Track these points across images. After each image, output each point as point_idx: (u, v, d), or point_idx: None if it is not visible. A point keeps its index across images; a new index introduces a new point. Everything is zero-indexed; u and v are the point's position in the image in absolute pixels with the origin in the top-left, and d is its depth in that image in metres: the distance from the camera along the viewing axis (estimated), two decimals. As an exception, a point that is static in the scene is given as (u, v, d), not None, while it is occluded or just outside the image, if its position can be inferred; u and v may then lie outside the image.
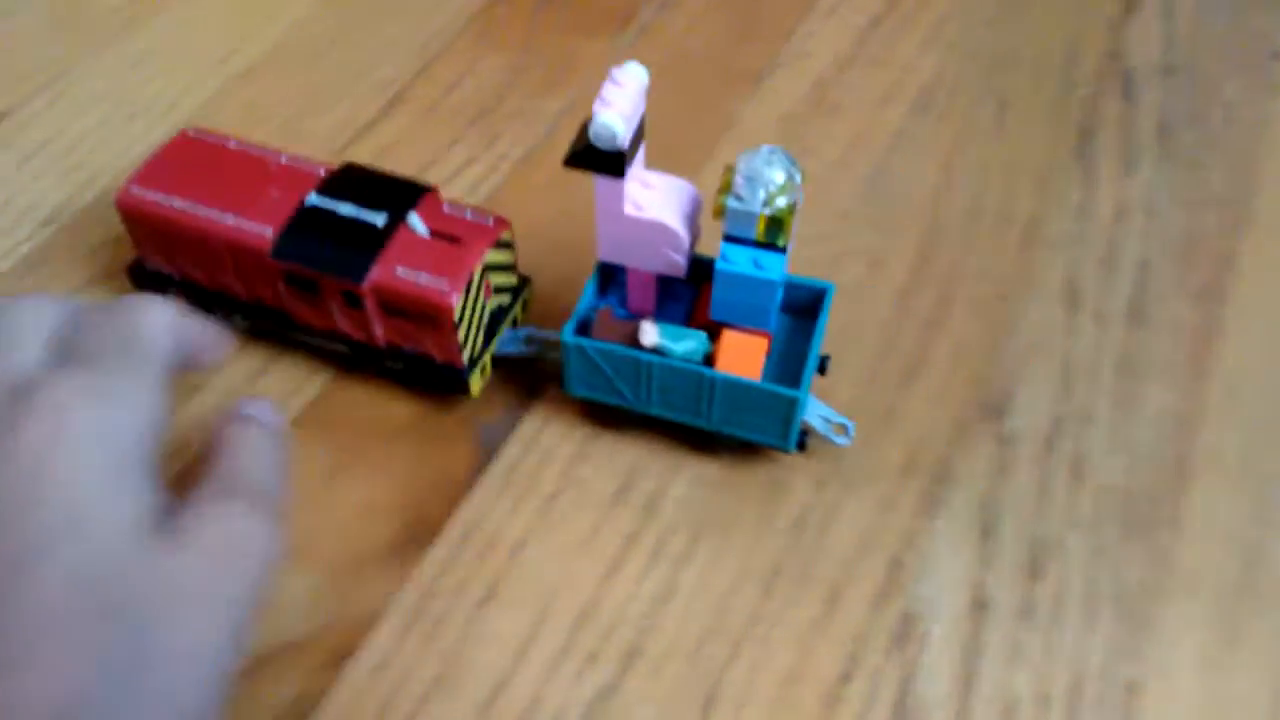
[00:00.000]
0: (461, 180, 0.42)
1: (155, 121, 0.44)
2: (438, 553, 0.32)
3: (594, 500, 0.33)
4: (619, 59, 0.46)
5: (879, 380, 0.36)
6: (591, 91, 0.45)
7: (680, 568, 0.32)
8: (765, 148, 0.29)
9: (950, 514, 0.33)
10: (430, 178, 0.42)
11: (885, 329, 0.37)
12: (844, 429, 0.33)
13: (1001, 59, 0.47)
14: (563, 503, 0.33)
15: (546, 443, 0.34)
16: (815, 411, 0.33)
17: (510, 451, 0.34)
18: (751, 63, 0.47)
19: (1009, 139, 0.44)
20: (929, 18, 0.49)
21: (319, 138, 0.43)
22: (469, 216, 0.34)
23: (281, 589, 0.31)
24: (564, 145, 0.42)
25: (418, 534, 0.32)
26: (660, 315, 0.34)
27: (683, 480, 0.33)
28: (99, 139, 0.43)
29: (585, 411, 0.35)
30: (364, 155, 0.43)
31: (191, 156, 0.36)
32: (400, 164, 0.42)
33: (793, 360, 0.33)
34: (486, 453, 0.34)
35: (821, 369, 0.34)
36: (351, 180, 0.34)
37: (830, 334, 0.36)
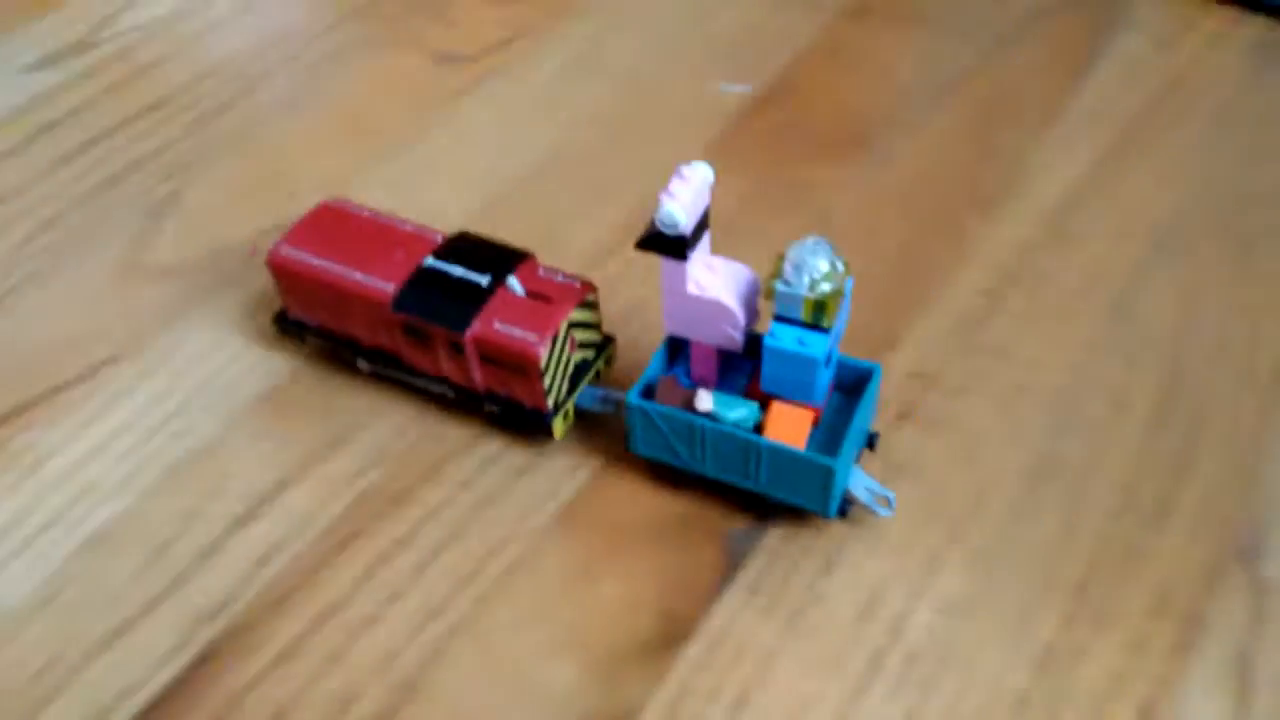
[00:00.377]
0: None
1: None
2: (691, 653, 0.33)
3: (839, 617, 0.34)
4: (853, 185, 0.49)
5: (1124, 516, 0.36)
6: (823, 213, 0.47)
7: (927, 694, 0.32)
8: (811, 239, 0.33)
9: (1204, 662, 0.32)
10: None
11: (1131, 463, 0.37)
12: (886, 501, 0.36)
13: (1245, 197, 0.47)
14: (810, 616, 0.34)
15: (793, 553, 0.36)
16: (860, 483, 0.36)
17: (757, 561, 0.36)
18: (986, 189, 0.48)
19: (1254, 279, 0.43)
20: (1168, 151, 0.49)
21: (575, 249, 0.47)
22: (559, 280, 0.39)
23: (545, 679, 0.33)
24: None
25: (671, 633, 0.34)
26: (720, 386, 0.38)
27: (928, 604, 0.34)
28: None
29: (828, 528, 0.36)
30: (616, 268, 0.46)
31: (331, 223, 0.42)
32: (647, 278, 0.45)
33: (843, 434, 0.36)
34: (734, 559, 0.36)
35: (870, 444, 0.38)
36: (463, 247, 0.40)
37: (1071, 465, 0.37)
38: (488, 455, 0.39)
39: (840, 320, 0.34)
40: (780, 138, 0.52)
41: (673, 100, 0.54)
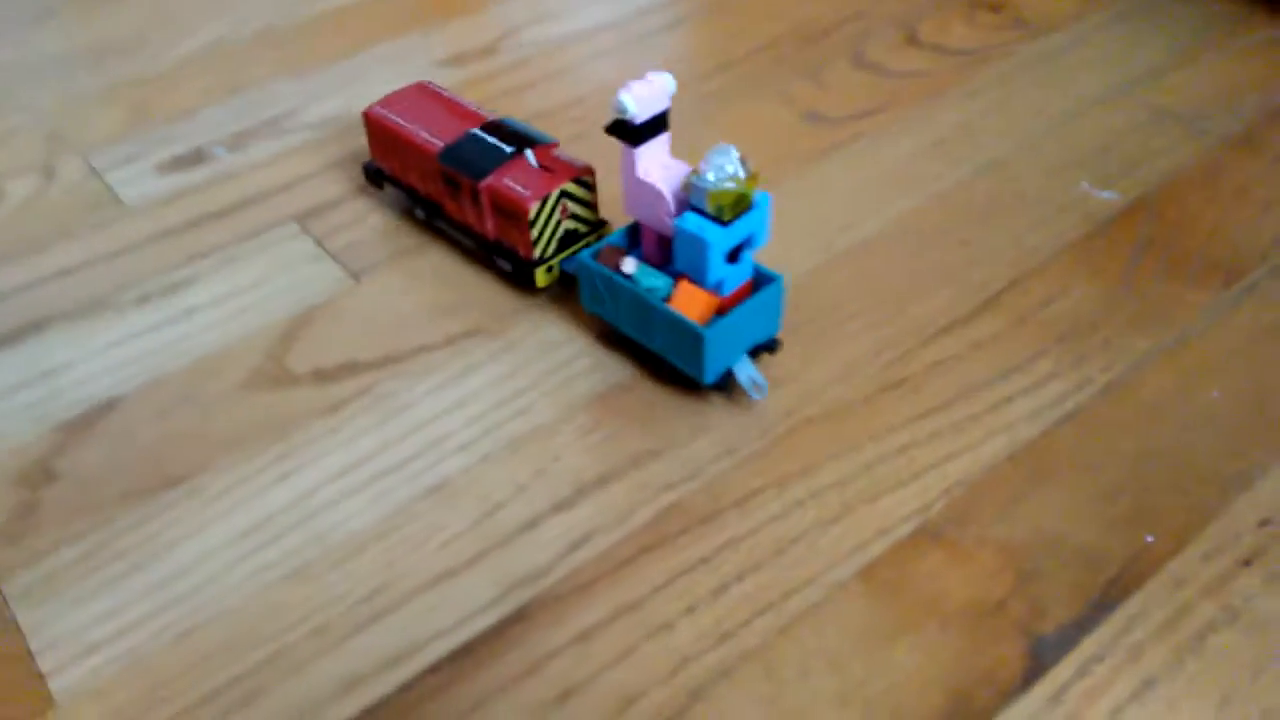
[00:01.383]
0: (1041, 393, 0.43)
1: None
2: (977, 746, 0.33)
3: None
4: (1215, 311, 0.46)
5: None
6: (1182, 334, 0.45)
7: None
8: (723, 145, 0.40)
9: None
10: (1010, 383, 0.44)
11: None
12: (760, 387, 0.43)
13: None
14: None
15: (1102, 673, 0.34)
16: (744, 370, 0.43)
17: (1062, 673, 0.35)
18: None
19: None
20: None
21: (912, 321, 0.47)
22: (566, 160, 0.48)
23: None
24: (1151, 383, 0.42)
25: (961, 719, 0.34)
26: (661, 267, 0.44)
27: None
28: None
29: (1133, 662, 0.35)
30: (954, 347, 0.46)
31: (417, 96, 0.53)
32: (985, 362, 0.45)
33: (731, 319, 0.42)
34: (1039, 665, 0.35)
35: (770, 348, 0.44)
36: (504, 127, 0.50)
37: None
38: (799, 496, 0.40)
39: (754, 230, 0.41)
40: (1143, 251, 0.50)
41: (1032, 194, 0.54)
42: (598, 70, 0.64)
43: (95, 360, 0.47)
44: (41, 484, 0.42)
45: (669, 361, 0.43)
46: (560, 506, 0.40)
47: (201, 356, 0.47)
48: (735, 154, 0.40)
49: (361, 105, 0.62)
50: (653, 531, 0.39)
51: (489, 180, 0.47)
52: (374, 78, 0.64)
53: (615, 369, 0.46)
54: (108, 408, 0.45)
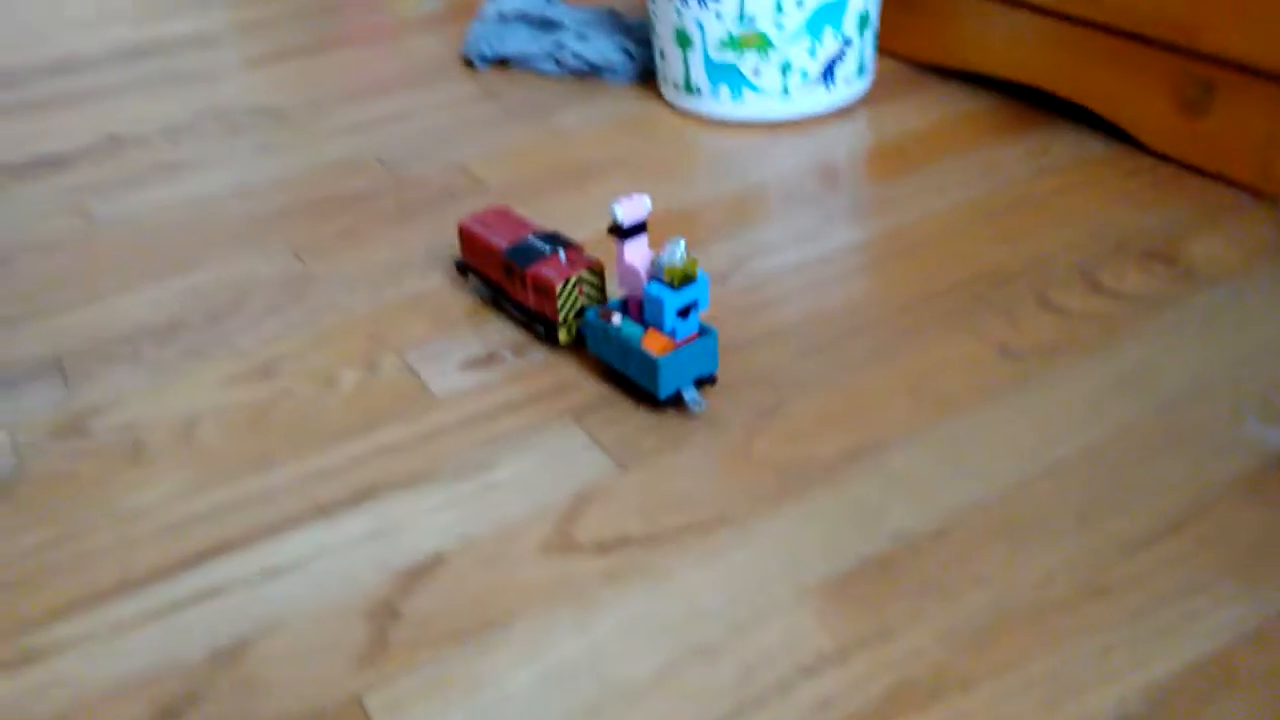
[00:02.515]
0: (1223, 612, 0.50)
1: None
2: None
3: None
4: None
5: None
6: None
7: None
8: (675, 238, 0.66)
9: None
10: (1194, 600, 0.51)
11: None
12: (699, 403, 0.64)
13: None
14: None
15: None
16: (689, 393, 0.64)
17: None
18: None
19: None
20: None
21: (1103, 537, 0.55)
22: (586, 257, 0.70)
23: None
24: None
25: None
26: (639, 322, 0.66)
27: None
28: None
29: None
30: (1144, 564, 0.53)
31: (493, 215, 0.76)
32: (1171, 580, 0.52)
33: (678, 355, 0.64)
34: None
35: (711, 381, 0.66)
36: (549, 235, 0.73)
37: None
38: None
39: (698, 296, 0.63)
40: (1311, 489, 0.57)
41: (1207, 429, 0.61)
42: (806, 301, 0.76)
43: (422, 521, 0.59)
44: (388, 620, 0.53)
45: (639, 385, 0.67)
46: (807, 673, 0.49)
47: (504, 524, 0.58)
48: (682, 246, 0.63)
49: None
50: (889, 705, 0.47)
51: (532, 269, 0.70)
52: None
53: (844, 558, 0.55)
54: (435, 561, 0.56)
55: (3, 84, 1.26)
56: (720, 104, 1.00)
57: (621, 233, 0.63)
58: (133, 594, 0.56)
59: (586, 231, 0.85)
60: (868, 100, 1.05)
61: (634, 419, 0.65)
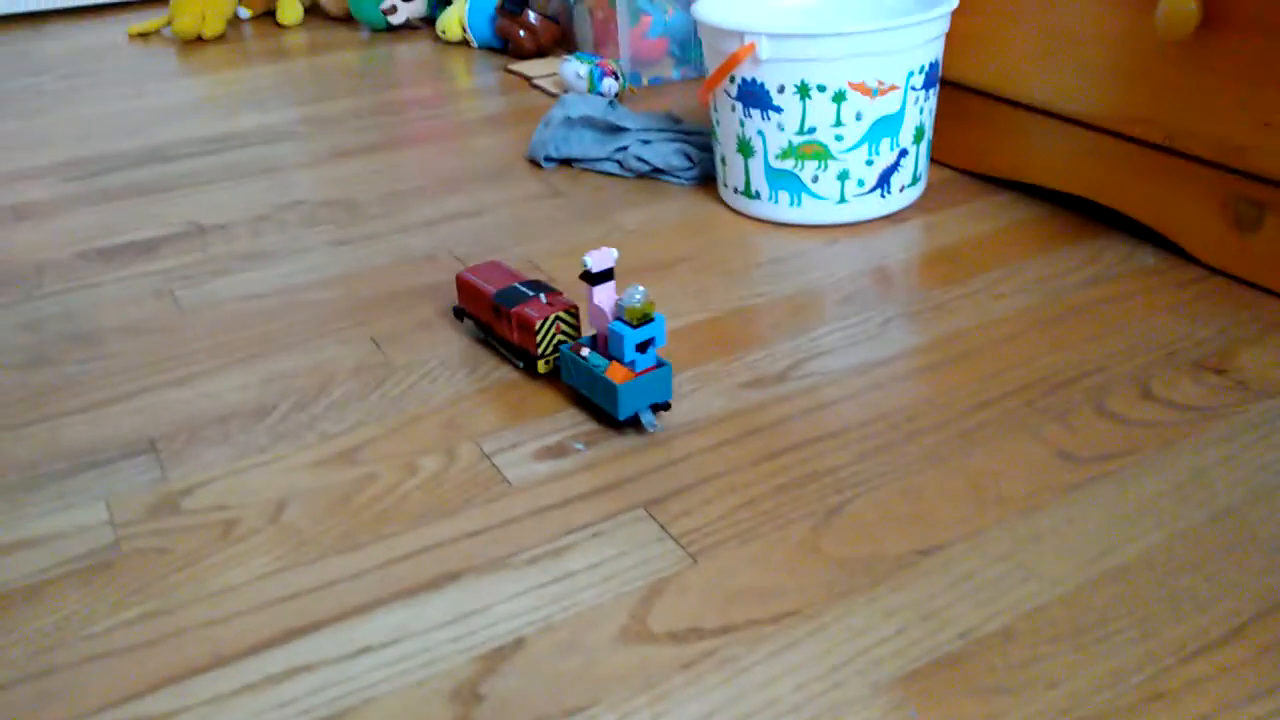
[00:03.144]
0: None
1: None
2: None
3: None
4: None
5: None
6: None
7: None
8: (635, 285, 0.77)
9: None
10: (1260, 705, 0.52)
11: None
12: (654, 425, 0.75)
13: None
14: None
15: None
16: (645, 416, 0.75)
17: None
18: None
19: None
20: None
21: (1166, 642, 0.56)
22: (564, 300, 0.82)
23: None
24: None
25: None
26: (608, 356, 0.76)
27: None
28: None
29: None
30: (1206, 669, 0.54)
31: (487, 267, 0.88)
32: (1236, 685, 0.53)
33: (636, 383, 0.75)
34: None
35: (666, 407, 0.77)
36: (533, 283, 0.85)
37: None
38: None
39: (655, 334, 0.74)
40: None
41: (1264, 537, 0.63)
42: (866, 402, 0.78)
43: (501, 607, 0.61)
44: (472, 702, 0.55)
45: (604, 409, 0.77)
46: (880, 765, 0.50)
47: (581, 611, 0.60)
48: (641, 290, 0.74)
49: (686, 417, 0.77)
50: (955, 796, 0.49)
51: (516, 310, 0.82)
52: (693, 394, 0.80)
53: (915, 655, 0.56)
54: (515, 646, 0.58)
55: (96, 172, 1.32)
56: (779, 208, 1.04)
57: (591, 278, 0.75)
58: (226, 670, 0.58)
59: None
60: (921, 207, 1.09)
61: (704, 511, 0.68)
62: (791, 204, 1.04)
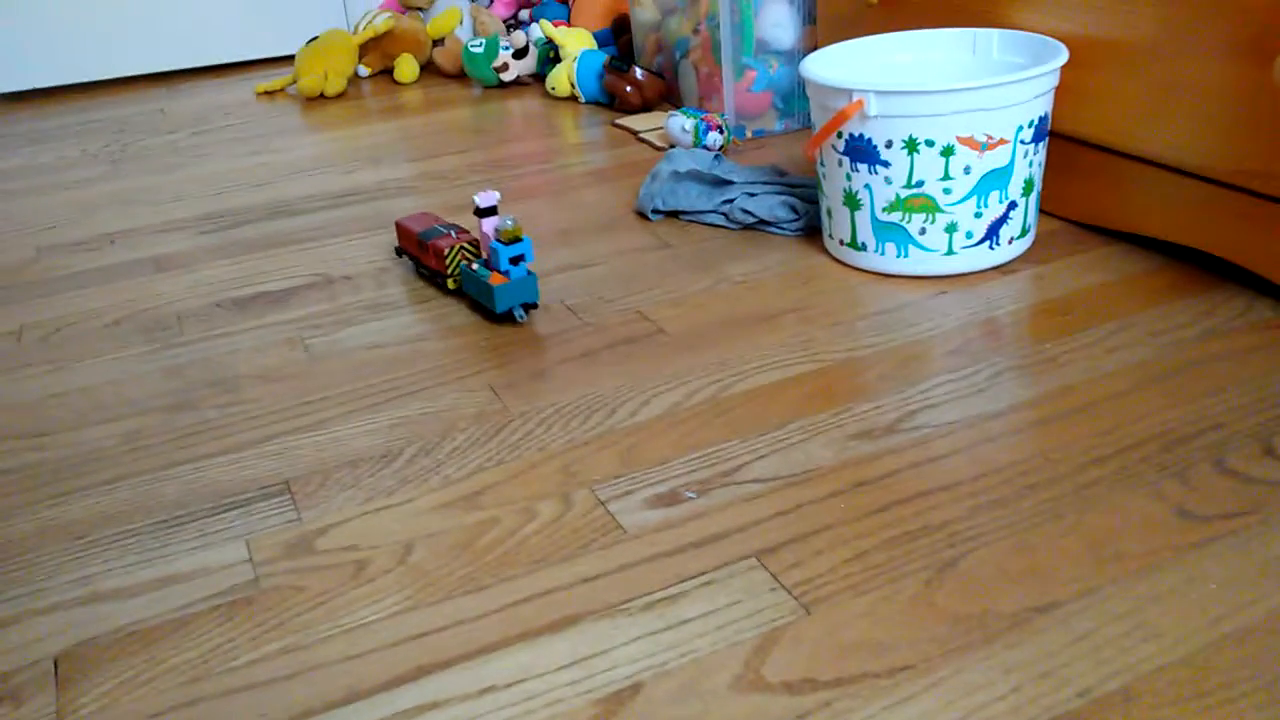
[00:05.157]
0: None
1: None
2: None
3: None
4: None
5: None
6: None
7: None
8: (507, 217, 1.08)
9: None
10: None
11: None
12: (522, 317, 1.04)
13: None
14: None
15: None
16: (517, 311, 1.04)
17: None
18: None
19: None
20: None
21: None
22: (469, 235, 1.11)
23: None
24: None
25: None
26: (489, 268, 1.06)
27: None
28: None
29: None
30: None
31: (420, 215, 1.19)
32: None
33: (509, 285, 1.04)
34: None
35: (534, 305, 1.06)
36: (449, 225, 1.14)
37: None
38: None
39: (524, 250, 1.02)
40: None
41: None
42: (977, 456, 0.78)
43: (619, 651, 0.63)
44: (593, 743, 0.57)
45: (488, 306, 1.05)
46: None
47: (696, 659, 0.62)
48: (511, 219, 1.02)
49: (796, 467, 0.79)
50: None
51: (433, 241, 1.11)
52: (803, 444, 0.81)
53: (1033, 714, 0.56)
54: (633, 691, 0.60)
55: (229, 225, 1.40)
56: (886, 260, 1.05)
57: (480, 213, 1.05)
58: (361, 705, 0.61)
59: (758, 380, 0.91)
60: (1031, 258, 1.09)
61: (816, 562, 0.69)
62: (899, 255, 1.05)
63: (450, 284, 1.10)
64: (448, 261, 1.09)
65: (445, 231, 1.12)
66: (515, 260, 1.02)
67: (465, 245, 1.10)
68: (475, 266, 1.05)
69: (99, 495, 0.82)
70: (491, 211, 1.05)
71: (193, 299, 1.18)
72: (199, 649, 0.66)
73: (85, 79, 2.25)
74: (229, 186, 1.57)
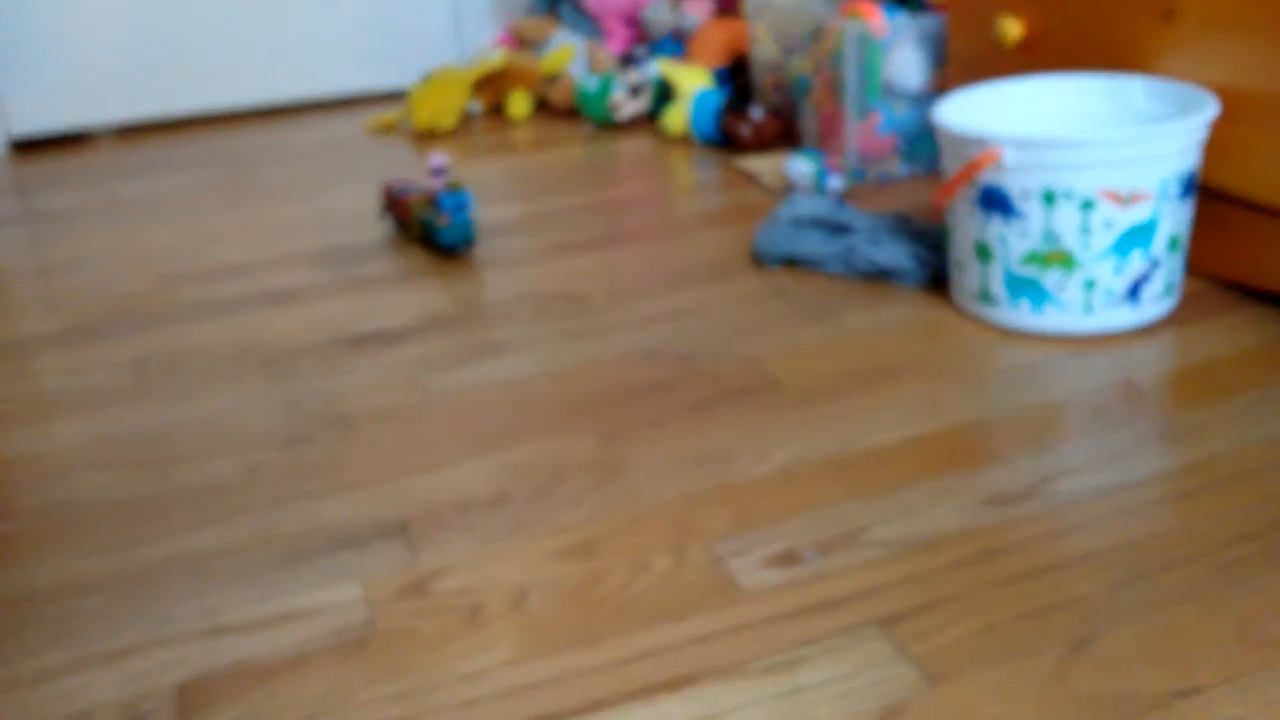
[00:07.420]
0: None
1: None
2: None
3: None
4: None
5: None
6: None
7: None
8: (448, 169, 1.38)
9: None
10: None
11: None
12: (466, 247, 1.37)
13: None
14: None
15: None
16: (456, 246, 1.36)
17: None
18: None
19: None
20: None
21: None
22: (429, 193, 1.39)
23: None
24: None
25: None
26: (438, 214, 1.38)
27: None
28: None
29: None
30: None
31: (402, 181, 1.48)
32: None
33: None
34: None
35: (472, 245, 1.38)
36: (422, 190, 1.43)
37: None
38: None
39: (464, 200, 1.34)
40: None
41: None
42: (1116, 528, 0.75)
43: (735, 715, 0.61)
44: (708, 814, 0.55)
45: (437, 241, 1.35)
46: None
47: (816, 730, 0.60)
48: (451, 172, 1.48)
49: (922, 532, 0.76)
50: None
51: (401, 197, 1.41)
52: (929, 508, 0.78)
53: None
54: (751, 760, 0.58)
55: (342, 260, 1.43)
56: (1019, 315, 1.02)
57: (434, 173, 1.33)
58: (472, 755, 0.60)
59: (880, 438, 0.88)
60: (1175, 319, 1.04)
61: (942, 633, 0.66)
62: (1033, 311, 1.01)
63: (414, 230, 1.41)
64: (414, 213, 1.40)
65: (413, 190, 1.45)
66: (457, 208, 1.36)
67: (425, 200, 1.41)
68: (433, 214, 1.37)
69: (221, 527, 0.84)
70: (443, 172, 1.37)
71: (309, 334, 1.20)
72: (318, 686, 0.67)
73: (200, 110, 2.33)
74: (342, 222, 1.60)
